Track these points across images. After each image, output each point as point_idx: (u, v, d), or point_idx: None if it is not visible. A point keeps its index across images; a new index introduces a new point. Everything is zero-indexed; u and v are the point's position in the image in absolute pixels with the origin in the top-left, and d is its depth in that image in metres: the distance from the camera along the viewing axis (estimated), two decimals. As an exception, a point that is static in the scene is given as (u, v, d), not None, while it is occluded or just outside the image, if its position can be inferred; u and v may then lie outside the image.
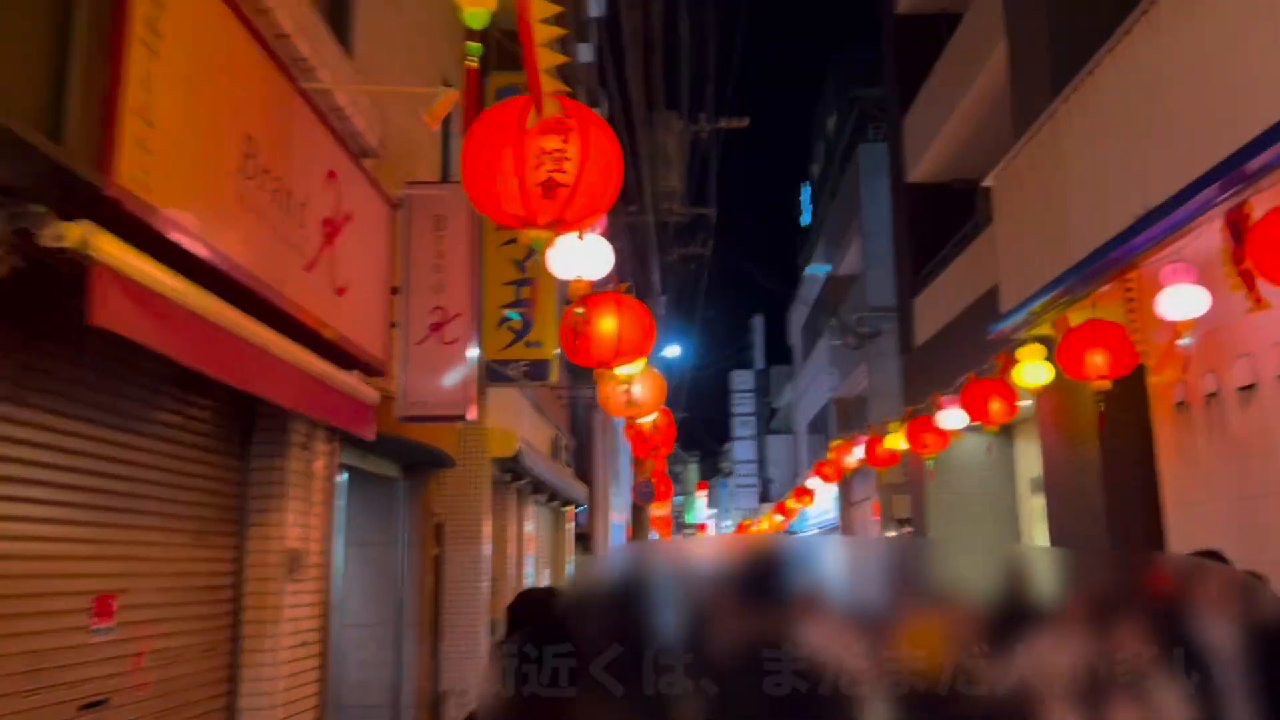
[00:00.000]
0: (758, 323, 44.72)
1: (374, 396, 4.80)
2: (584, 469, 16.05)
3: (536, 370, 7.35)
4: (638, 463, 14.10)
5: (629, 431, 10.50)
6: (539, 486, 10.79)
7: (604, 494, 18.21)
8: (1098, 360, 7.08)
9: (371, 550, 7.10)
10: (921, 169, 14.04)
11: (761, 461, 39.24)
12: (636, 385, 7.77)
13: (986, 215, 12.78)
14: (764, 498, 37.31)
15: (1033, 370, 8.52)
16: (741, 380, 42.07)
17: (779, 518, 24.42)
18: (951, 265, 12.84)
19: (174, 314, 3.01)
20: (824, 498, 22.29)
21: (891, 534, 17.72)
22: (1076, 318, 7.45)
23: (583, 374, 14.68)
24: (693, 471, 49.79)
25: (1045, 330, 8.29)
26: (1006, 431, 12.67)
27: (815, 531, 27.49)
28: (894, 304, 16.51)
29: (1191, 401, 7.00)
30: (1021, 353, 8.51)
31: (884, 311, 18.32)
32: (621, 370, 6.55)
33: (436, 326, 5.09)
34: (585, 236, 4.40)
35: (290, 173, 3.74)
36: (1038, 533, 13.08)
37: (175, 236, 3.06)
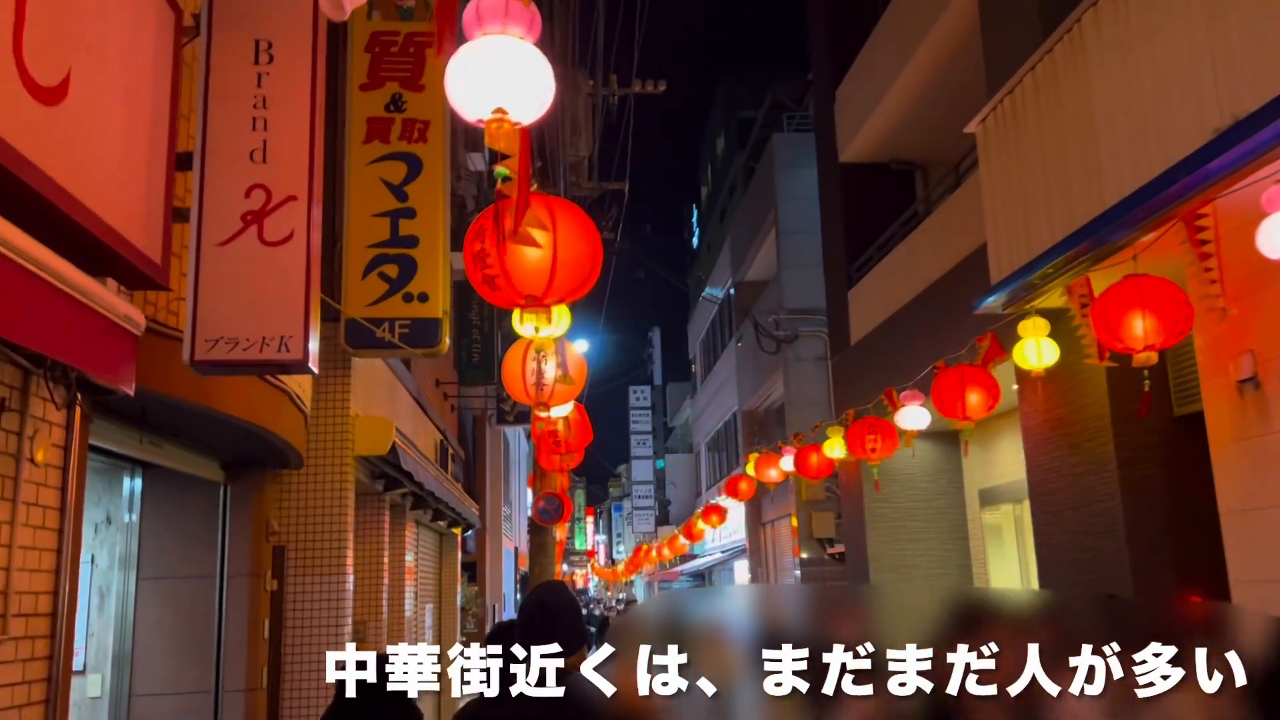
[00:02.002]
0: (655, 336, 42.94)
1: (134, 317, 2.78)
2: (472, 487, 13.98)
3: (420, 332, 5.31)
4: (541, 476, 12.16)
5: (538, 431, 8.63)
6: (421, 500, 8.70)
7: (495, 516, 16.19)
8: (1147, 325, 5.63)
9: (178, 585, 5.01)
10: (855, 147, 12.63)
11: (659, 482, 37.43)
12: (552, 361, 5.92)
13: (934, 195, 11.42)
14: (662, 520, 35.48)
15: (1035, 349, 7.05)
16: (639, 396, 40.16)
17: (684, 541, 22.63)
18: (895, 250, 11.41)
19: None
20: (731, 519, 20.72)
21: (807, 558, 16.23)
22: (1102, 280, 5.99)
23: (473, 375, 12.67)
24: (580, 496, 47.81)
25: (1052, 301, 6.84)
26: (951, 436, 11.29)
27: (720, 555, 25.80)
28: (815, 305, 15.20)
29: (1265, 376, 5.54)
30: (1023, 328, 7.02)
31: (805, 314, 16.89)
32: (552, 325, 4.65)
33: (253, 217, 3.07)
34: (510, 26, 2.52)
35: None
36: (992, 553, 11.70)
37: None
